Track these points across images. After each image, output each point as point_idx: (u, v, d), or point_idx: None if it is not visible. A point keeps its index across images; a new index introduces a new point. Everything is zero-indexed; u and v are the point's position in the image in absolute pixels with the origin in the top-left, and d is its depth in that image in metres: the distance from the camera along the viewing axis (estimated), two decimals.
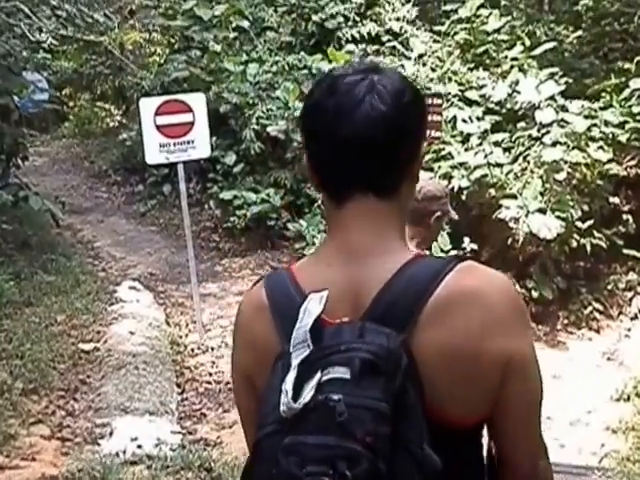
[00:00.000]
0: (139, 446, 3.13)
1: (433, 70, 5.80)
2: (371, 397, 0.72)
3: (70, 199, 8.86)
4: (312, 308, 0.79)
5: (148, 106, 4.15)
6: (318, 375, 0.74)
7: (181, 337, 4.94)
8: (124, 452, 3.05)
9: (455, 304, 0.80)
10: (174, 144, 4.19)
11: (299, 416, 0.73)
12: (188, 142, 4.23)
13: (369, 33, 7.20)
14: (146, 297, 5.65)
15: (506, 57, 6.11)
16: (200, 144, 4.26)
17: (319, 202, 6.14)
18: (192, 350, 4.73)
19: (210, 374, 4.37)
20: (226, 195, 6.56)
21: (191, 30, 6.08)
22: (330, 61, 6.35)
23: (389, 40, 7.05)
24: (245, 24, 6.31)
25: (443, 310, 0.79)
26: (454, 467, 0.77)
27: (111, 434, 3.27)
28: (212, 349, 4.75)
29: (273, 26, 7.58)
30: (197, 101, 4.22)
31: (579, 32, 7.41)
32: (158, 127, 4.14)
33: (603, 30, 7.46)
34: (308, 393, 0.73)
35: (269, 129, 5.92)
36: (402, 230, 0.88)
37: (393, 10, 7.46)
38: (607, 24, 7.46)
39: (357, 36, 7.11)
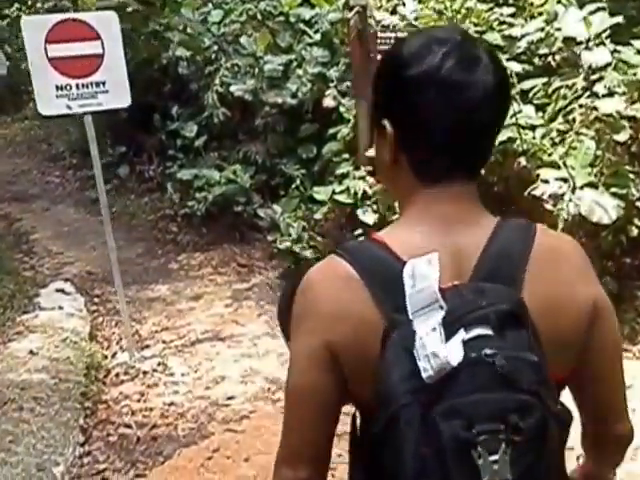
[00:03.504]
0: None
1: (440, 13, 4.49)
2: (520, 348, 0.72)
3: (15, 185, 7.69)
4: (425, 272, 0.77)
5: (35, 28, 2.82)
6: (462, 333, 0.72)
7: (106, 357, 3.69)
8: None
9: (548, 260, 0.85)
10: (77, 86, 2.92)
11: (448, 378, 0.70)
12: (97, 84, 2.94)
13: None
14: (74, 303, 4.40)
15: None
16: (115, 87, 2.96)
17: (297, 183, 4.91)
18: (117, 376, 3.48)
19: (133, 412, 3.12)
20: (185, 174, 5.31)
21: None
22: (313, 6, 5.10)
23: None
24: None
25: (540, 266, 0.84)
26: None
27: None
28: (144, 374, 3.50)
29: None
30: (106, 22, 2.89)
31: None
32: (51, 60, 2.86)
33: None
34: (457, 353, 0.70)
35: (233, 88, 4.66)
36: (479, 199, 0.91)
37: None
38: None
39: None
